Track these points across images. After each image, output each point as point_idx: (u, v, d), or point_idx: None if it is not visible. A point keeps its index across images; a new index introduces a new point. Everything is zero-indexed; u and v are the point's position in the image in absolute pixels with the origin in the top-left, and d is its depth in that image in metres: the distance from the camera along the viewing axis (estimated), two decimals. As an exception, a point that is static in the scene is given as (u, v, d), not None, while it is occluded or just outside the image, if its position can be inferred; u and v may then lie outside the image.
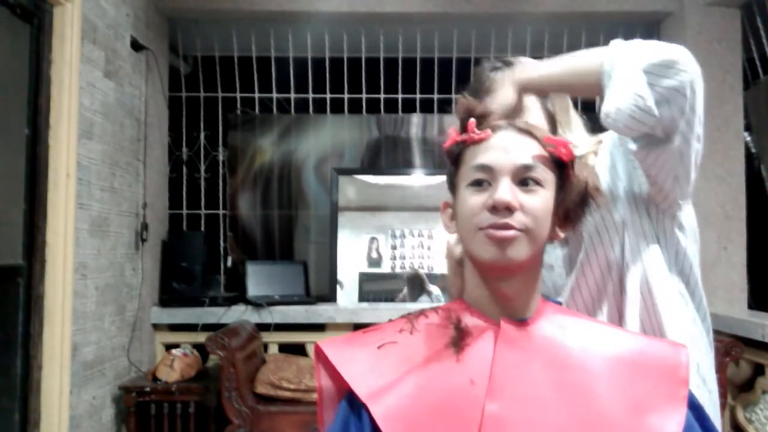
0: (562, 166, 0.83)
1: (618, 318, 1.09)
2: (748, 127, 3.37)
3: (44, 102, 2.20)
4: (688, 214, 1.08)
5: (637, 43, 0.96)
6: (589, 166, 0.87)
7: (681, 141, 0.95)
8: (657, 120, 0.92)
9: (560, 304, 0.92)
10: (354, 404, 0.79)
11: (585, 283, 1.12)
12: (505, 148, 0.80)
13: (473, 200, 0.80)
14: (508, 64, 1.21)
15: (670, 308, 1.05)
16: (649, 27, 3.48)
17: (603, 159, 1.12)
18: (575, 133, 1.18)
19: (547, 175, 0.80)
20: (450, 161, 0.88)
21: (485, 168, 0.80)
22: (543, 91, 1.10)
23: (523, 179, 0.79)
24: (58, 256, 2.21)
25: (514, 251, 0.77)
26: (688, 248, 1.08)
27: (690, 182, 1.01)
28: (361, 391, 0.77)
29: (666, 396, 0.77)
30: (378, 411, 0.75)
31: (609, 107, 0.92)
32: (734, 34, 3.20)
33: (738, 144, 3.19)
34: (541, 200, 0.79)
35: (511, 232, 0.77)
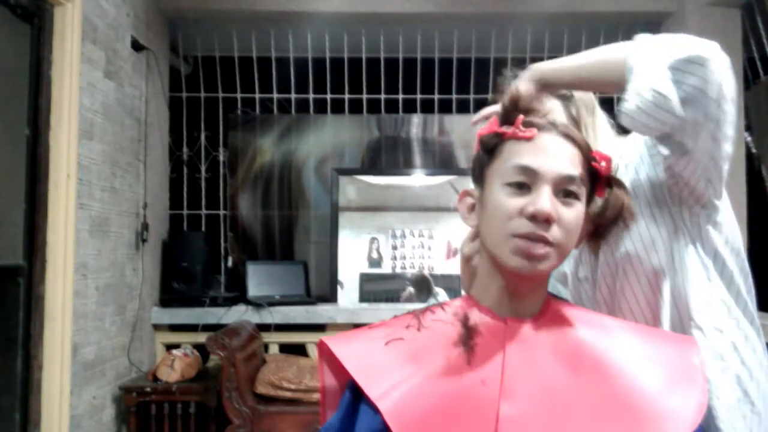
0: (595, 179, 0.81)
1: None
2: (748, 127, 3.36)
3: (44, 102, 2.20)
4: (724, 212, 1.03)
5: (665, 38, 0.89)
6: (623, 184, 0.84)
7: (711, 143, 0.90)
8: (680, 120, 0.87)
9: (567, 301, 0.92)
10: (357, 398, 0.78)
11: (624, 299, 1.06)
12: (550, 153, 0.77)
13: (510, 203, 0.77)
14: None
15: (708, 317, 0.99)
16: (650, 27, 3.46)
17: (628, 172, 1.07)
18: (600, 136, 1.14)
19: (583, 189, 0.79)
20: (483, 150, 0.83)
21: (529, 171, 0.77)
22: (563, 86, 1.04)
23: (563, 190, 0.77)
24: (59, 256, 2.21)
25: (542, 265, 0.76)
26: (726, 252, 1.04)
27: (722, 181, 0.98)
28: (369, 388, 0.75)
29: (682, 381, 0.77)
30: (387, 409, 0.74)
31: (629, 105, 0.86)
32: (734, 34, 3.20)
33: (738, 144, 3.19)
34: (576, 214, 0.78)
35: (544, 250, 0.75)
